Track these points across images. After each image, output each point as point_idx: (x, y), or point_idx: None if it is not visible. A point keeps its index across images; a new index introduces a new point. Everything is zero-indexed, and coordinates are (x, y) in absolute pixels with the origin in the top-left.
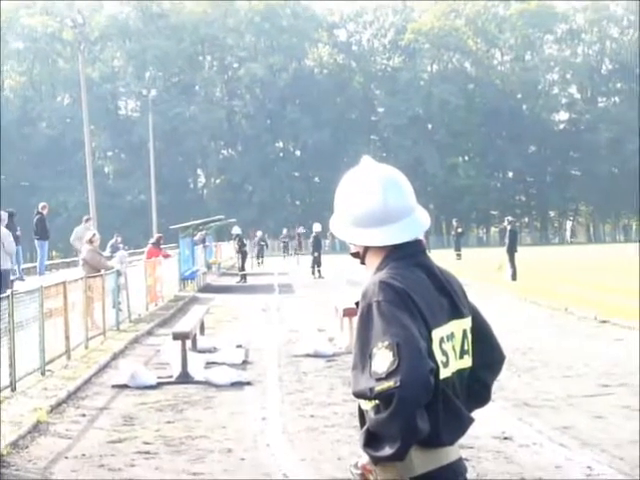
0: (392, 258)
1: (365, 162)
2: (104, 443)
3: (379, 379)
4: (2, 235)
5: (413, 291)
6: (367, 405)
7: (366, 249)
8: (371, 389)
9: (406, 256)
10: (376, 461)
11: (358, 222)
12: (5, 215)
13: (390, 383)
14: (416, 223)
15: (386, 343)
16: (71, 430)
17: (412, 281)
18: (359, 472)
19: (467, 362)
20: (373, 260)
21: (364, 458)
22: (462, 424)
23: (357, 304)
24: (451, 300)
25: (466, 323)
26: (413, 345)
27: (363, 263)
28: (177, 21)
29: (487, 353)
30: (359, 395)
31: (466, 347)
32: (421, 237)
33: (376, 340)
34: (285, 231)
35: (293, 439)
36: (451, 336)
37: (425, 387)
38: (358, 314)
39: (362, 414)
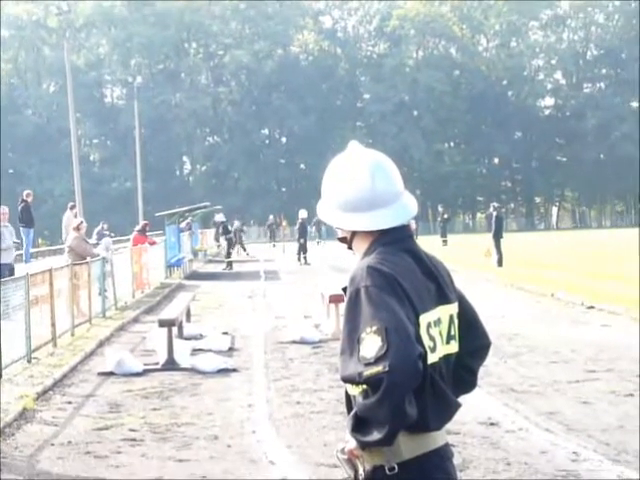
0: (380, 243)
1: (352, 147)
2: (90, 430)
3: (368, 364)
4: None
5: (401, 276)
6: (355, 390)
7: (353, 234)
8: (360, 374)
9: (394, 241)
10: (364, 446)
11: (346, 207)
12: (6, 209)
13: (379, 368)
14: (404, 208)
15: (374, 328)
16: (57, 417)
17: (400, 266)
18: (346, 457)
19: (454, 347)
20: (360, 245)
21: (351, 443)
22: (449, 409)
23: (344, 290)
24: (438, 285)
25: (453, 308)
26: (401, 330)
27: (350, 248)
28: (162, 8)
29: (472, 339)
30: (348, 380)
31: (452, 332)
32: (409, 222)
33: (364, 325)
34: (271, 218)
35: (279, 425)
36: (438, 321)
37: (414, 372)
38: (346, 299)
39: (349, 399)
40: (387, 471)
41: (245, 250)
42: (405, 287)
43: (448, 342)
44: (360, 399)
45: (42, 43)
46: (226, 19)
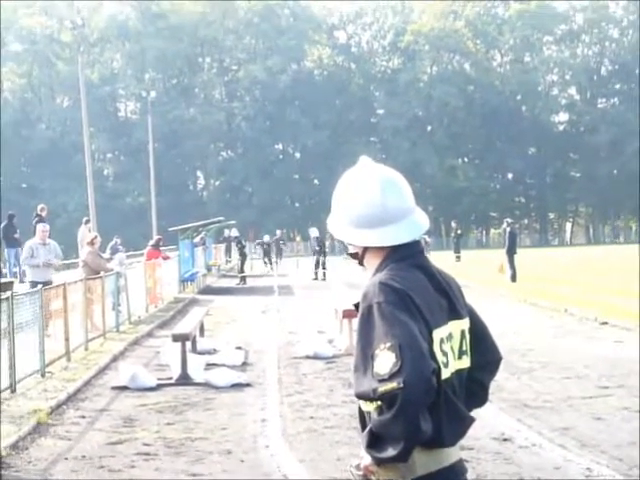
0: (391, 259)
1: (363, 162)
2: (104, 444)
3: (382, 380)
4: None
5: (413, 292)
6: (369, 406)
7: (365, 250)
8: (374, 390)
9: (405, 257)
10: (379, 462)
11: (357, 222)
12: (47, 227)
13: (393, 384)
14: (415, 224)
15: (388, 344)
16: (71, 432)
17: (412, 282)
18: (361, 473)
19: (465, 362)
20: (372, 261)
21: (366, 459)
22: (463, 424)
23: (357, 306)
24: (449, 301)
25: (464, 324)
26: (415, 346)
27: (361, 264)
28: (176, 22)
29: (483, 353)
30: (362, 396)
31: (464, 347)
32: (421, 238)
33: (378, 341)
34: (279, 232)
35: (292, 440)
36: (450, 336)
37: (428, 388)
38: (359, 316)
39: (363, 416)
40: None
41: (279, 261)
42: (417, 303)
43: (460, 357)
44: (375, 415)
45: (56, 58)
46: (240, 34)
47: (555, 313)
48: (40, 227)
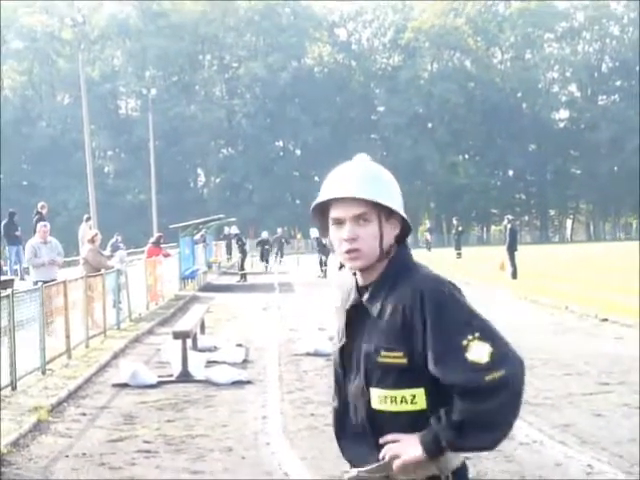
0: (403, 250)
1: (361, 157)
2: (105, 442)
3: (484, 370)
4: None
5: None
6: (417, 405)
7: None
8: (478, 380)
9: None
10: (465, 452)
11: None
12: (47, 225)
13: (501, 372)
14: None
15: (477, 334)
16: (72, 429)
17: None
18: (382, 474)
19: None
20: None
21: (410, 454)
22: None
23: (404, 309)
24: None
25: None
26: (500, 334)
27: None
28: (177, 20)
29: None
30: (468, 389)
31: None
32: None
33: (462, 332)
34: (280, 231)
35: (293, 438)
36: None
37: (524, 372)
38: (427, 313)
39: (372, 416)
40: (442, 479)
41: (281, 259)
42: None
43: None
44: (466, 405)
45: (57, 55)
46: (241, 31)
47: (555, 310)
48: (40, 226)
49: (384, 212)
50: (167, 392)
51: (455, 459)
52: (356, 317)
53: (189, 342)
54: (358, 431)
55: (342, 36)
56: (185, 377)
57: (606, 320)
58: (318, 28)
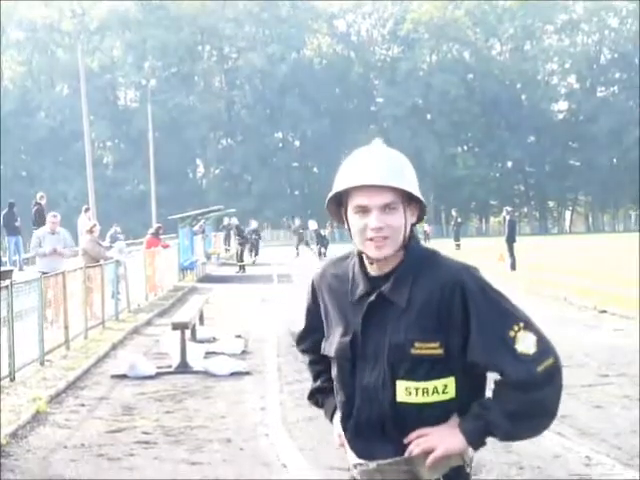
0: (415, 239)
1: (377, 142)
2: (103, 433)
3: (535, 360)
4: None
5: None
6: (448, 394)
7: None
8: (532, 370)
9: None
10: (516, 440)
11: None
12: (58, 216)
13: (550, 360)
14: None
15: (521, 324)
16: (70, 420)
17: None
18: (406, 468)
19: None
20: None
21: (443, 448)
22: None
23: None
24: None
25: None
26: (533, 321)
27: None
28: (176, 11)
29: None
30: (522, 382)
31: None
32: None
33: (509, 323)
34: (297, 221)
35: (292, 429)
36: None
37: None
38: (470, 303)
39: (396, 411)
40: (467, 469)
41: (256, 255)
42: None
43: None
44: (519, 395)
45: (56, 46)
46: (240, 22)
47: (554, 301)
48: (50, 216)
49: (407, 199)
50: (166, 383)
51: (472, 450)
52: (376, 309)
53: (188, 333)
54: (371, 425)
55: (341, 27)
56: (184, 368)
57: (605, 312)
58: (317, 19)
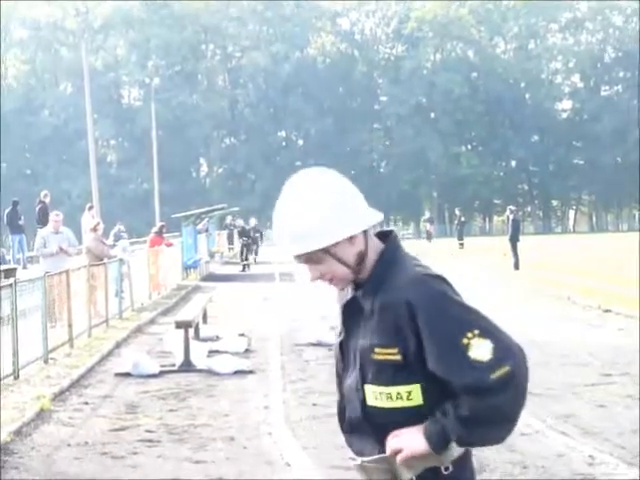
0: (391, 248)
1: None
2: (107, 431)
3: (489, 367)
4: None
5: None
6: (414, 400)
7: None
8: (483, 378)
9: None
10: (476, 446)
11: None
12: (60, 215)
13: (506, 368)
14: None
15: (476, 332)
16: (74, 418)
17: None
18: (383, 467)
19: None
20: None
21: (411, 449)
22: None
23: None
24: None
25: None
26: (497, 327)
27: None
28: (180, 10)
29: None
30: (473, 388)
31: None
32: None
33: (460, 331)
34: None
35: (295, 427)
36: None
37: (527, 360)
38: (424, 313)
39: (368, 413)
40: (443, 471)
41: (256, 255)
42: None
43: None
44: (472, 402)
45: (60, 44)
46: (243, 21)
47: (558, 301)
48: (53, 215)
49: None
50: (169, 382)
51: (455, 450)
52: (352, 312)
53: (191, 332)
54: (357, 424)
55: (345, 26)
56: (187, 367)
57: (609, 311)
58: (321, 18)
